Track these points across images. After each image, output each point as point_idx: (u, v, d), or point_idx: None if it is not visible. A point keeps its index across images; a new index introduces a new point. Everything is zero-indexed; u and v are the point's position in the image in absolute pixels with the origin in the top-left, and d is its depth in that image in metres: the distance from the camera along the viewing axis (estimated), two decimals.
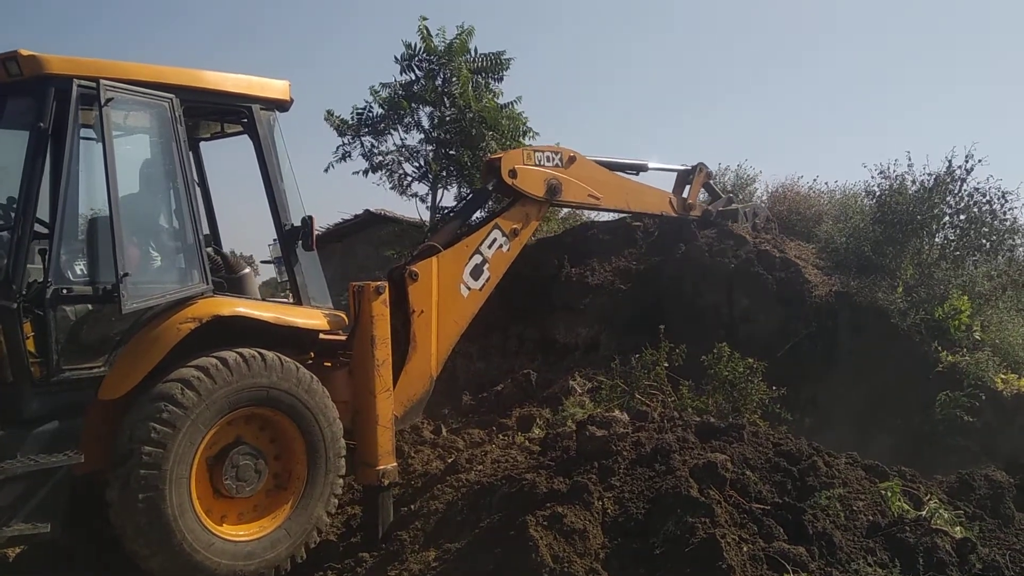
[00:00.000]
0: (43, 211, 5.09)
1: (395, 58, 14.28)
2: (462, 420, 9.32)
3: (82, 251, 5.32)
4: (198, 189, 6.07)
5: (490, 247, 7.45)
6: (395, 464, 6.39)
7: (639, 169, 9.55)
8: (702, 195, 10.76)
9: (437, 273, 6.97)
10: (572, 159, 8.22)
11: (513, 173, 7.68)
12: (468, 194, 13.29)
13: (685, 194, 10.21)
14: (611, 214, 11.31)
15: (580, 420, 6.88)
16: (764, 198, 13.11)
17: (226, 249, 6.85)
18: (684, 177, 10.25)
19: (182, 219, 5.62)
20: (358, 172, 15.07)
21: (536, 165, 7.91)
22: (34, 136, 4.99)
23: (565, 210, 15.22)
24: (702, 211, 10.38)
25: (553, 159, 8.07)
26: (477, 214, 8.81)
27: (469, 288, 7.26)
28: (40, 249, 5.08)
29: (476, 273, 7.32)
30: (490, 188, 7.90)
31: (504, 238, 7.57)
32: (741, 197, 12.70)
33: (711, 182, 10.86)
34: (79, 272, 5.27)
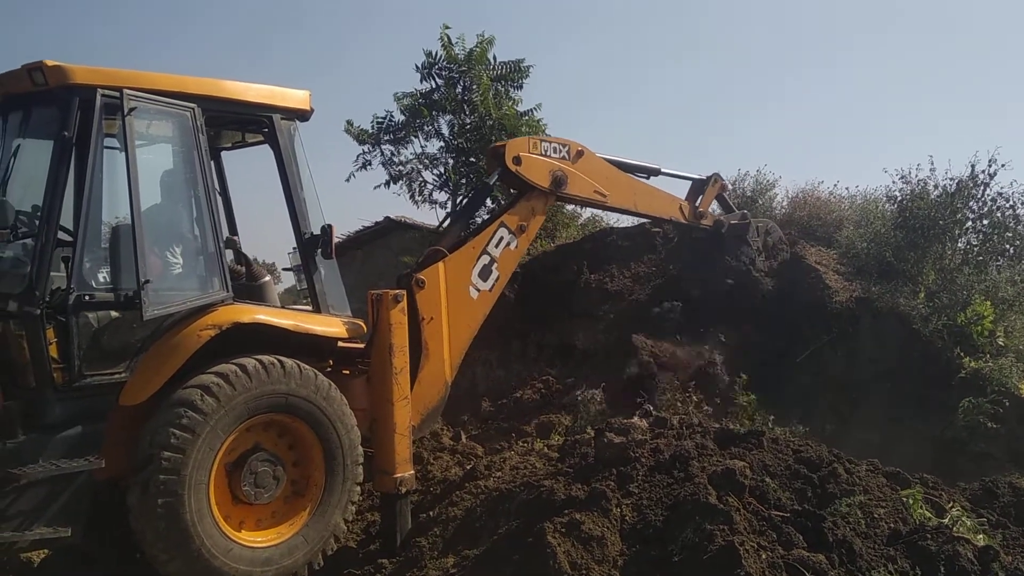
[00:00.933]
0: (67, 219, 5.18)
1: (416, 66, 14.36)
2: (481, 427, 9.34)
3: (105, 258, 5.39)
4: (219, 197, 6.12)
5: (497, 246, 7.34)
6: (412, 472, 6.40)
7: (651, 172, 9.34)
8: (715, 208, 10.55)
9: (444, 278, 6.90)
10: (580, 153, 8.04)
11: (517, 160, 7.51)
12: (493, 206, 13.30)
13: (698, 203, 9.93)
14: (632, 219, 11.22)
15: (598, 427, 6.86)
16: (784, 204, 13.02)
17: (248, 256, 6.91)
18: (698, 187, 9.98)
19: (203, 227, 5.67)
20: (379, 185, 15.16)
21: (542, 155, 7.74)
22: (58, 145, 5.08)
23: (585, 216, 15.26)
24: (713, 221, 10.11)
25: (560, 151, 7.89)
26: (481, 215, 8.70)
27: (479, 290, 7.18)
28: (63, 256, 5.18)
29: (485, 274, 7.23)
30: (492, 182, 7.73)
31: (511, 235, 7.45)
32: (757, 205, 12.57)
33: (726, 195, 10.58)
34: (101, 279, 5.33)
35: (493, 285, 7.30)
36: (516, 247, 7.53)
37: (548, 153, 7.79)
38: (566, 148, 7.96)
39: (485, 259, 7.26)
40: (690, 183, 10.07)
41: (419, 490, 6.92)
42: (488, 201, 11.05)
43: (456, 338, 6.98)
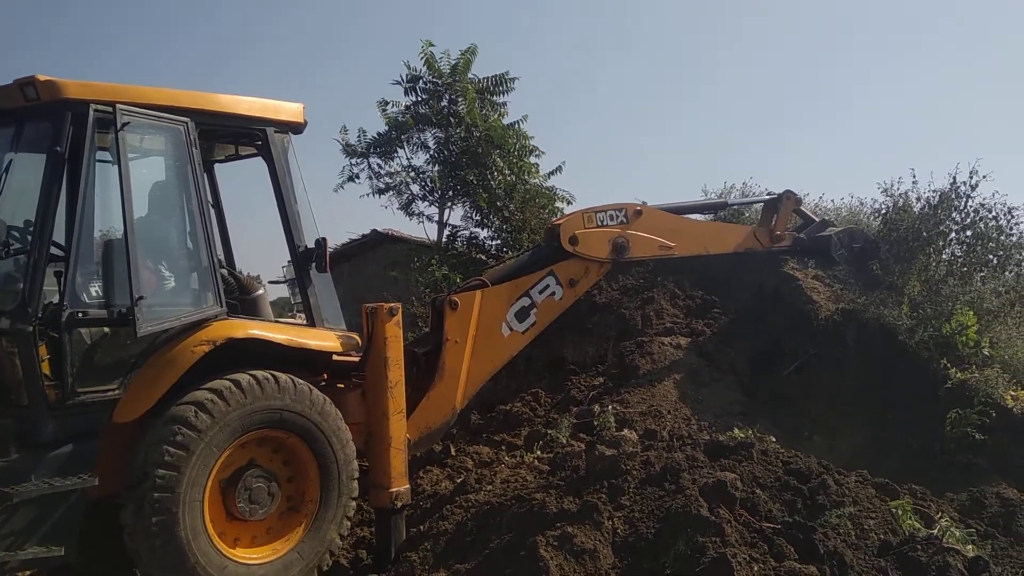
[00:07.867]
0: (59, 234, 5.15)
1: (398, 80, 14.39)
2: (470, 439, 9.33)
3: (97, 274, 5.37)
4: (212, 211, 6.12)
5: (541, 292, 7.28)
6: (408, 486, 6.39)
7: (718, 208, 9.14)
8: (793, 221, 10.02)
9: (479, 306, 6.91)
10: (638, 212, 7.91)
11: (574, 240, 7.47)
12: (479, 218, 13.56)
13: (774, 224, 9.40)
14: None
15: (589, 439, 6.88)
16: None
17: (238, 269, 6.90)
18: (772, 207, 9.51)
19: (196, 242, 5.67)
20: (365, 195, 15.24)
21: (599, 226, 7.65)
22: (51, 160, 5.06)
23: None
24: (792, 240, 9.66)
25: (617, 216, 7.78)
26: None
27: (511, 329, 7.12)
28: (56, 272, 5.13)
29: (522, 315, 7.17)
30: (553, 247, 7.59)
31: (558, 286, 7.37)
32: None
33: (802, 207, 9.98)
34: (94, 295, 5.32)
35: (527, 329, 7.23)
36: (560, 299, 7.44)
37: (604, 222, 7.70)
38: (623, 212, 7.85)
39: (525, 301, 7.21)
40: (762, 206, 9.77)
41: (409, 504, 6.91)
42: None
43: (476, 369, 6.95)
